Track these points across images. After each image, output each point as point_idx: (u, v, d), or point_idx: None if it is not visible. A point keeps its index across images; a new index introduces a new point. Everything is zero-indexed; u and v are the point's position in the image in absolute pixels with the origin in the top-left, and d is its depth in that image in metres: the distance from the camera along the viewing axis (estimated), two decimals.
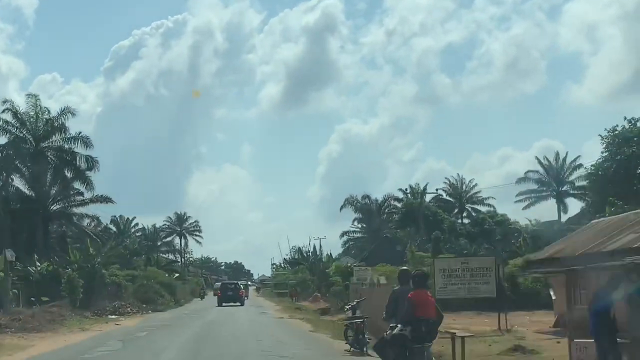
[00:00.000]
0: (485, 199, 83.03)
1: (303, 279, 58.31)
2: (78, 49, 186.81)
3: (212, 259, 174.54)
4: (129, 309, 39.69)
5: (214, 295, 71.87)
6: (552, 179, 69.31)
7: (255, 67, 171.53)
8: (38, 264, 39.76)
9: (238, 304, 52.83)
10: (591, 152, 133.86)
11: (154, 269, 57.80)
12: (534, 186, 70.00)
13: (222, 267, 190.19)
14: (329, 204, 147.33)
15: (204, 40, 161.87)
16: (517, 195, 69.88)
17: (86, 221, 52.56)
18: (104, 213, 74.71)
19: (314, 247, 79.84)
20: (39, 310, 30.13)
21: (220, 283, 78.67)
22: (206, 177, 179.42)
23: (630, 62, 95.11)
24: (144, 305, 43.77)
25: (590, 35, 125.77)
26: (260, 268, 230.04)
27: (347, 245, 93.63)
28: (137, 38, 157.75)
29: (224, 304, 52.07)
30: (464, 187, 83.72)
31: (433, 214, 71.30)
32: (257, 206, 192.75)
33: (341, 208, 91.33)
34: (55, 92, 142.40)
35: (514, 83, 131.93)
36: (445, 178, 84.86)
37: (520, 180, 69.79)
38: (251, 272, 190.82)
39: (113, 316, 36.74)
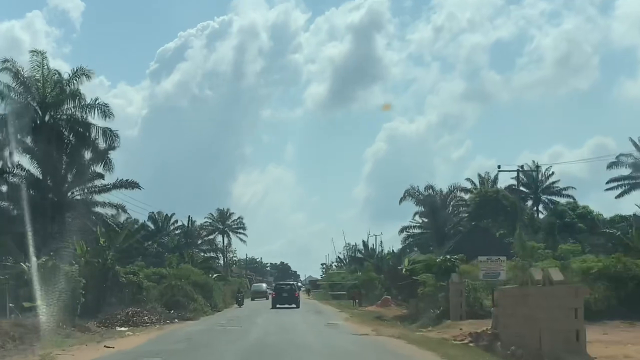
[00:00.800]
0: (564, 189, 72.64)
1: (369, 278, 47.70)
2: (124, 52, 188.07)
3: (257, 260, 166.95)
4: (146, 317, 30.17)
5: (252, 299, 62.73)
6: None
7: (301, 67, 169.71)
8: (35, 259, 30.58)
9: (294, 305, 49.69)
10: None
11: (187, 266, 48.25)
12: (627, 171, 58.99)
13: (268, 268, 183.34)
14: (375, 203, 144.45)
15: (249, 41, 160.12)
16: (607, 183, 58.92)
17: (110, 212, 43.64)
18: (142, 210, 67.08)
19: (374, 244, 70.15)
20: (7, 323, 20.88)
21: (256, 285, 70.74)
22: (250, 178, 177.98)
23: None
24: (170, 312, 34.29)
25: None
26: (308, 269, 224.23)
27: (407, 242, 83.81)
28: (183, 40, 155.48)
29: (278, 306, 49.21)
30: (539, 175, 73.43)
31: (511, 204, 60.94)
32: (302, 206, 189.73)
33: (401, 200, 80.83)
34: (102, 95, 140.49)
35: (566, 79, 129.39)
36: (518, 166, 74.58)
37: (612, 165, 58.71)
38: (298, 273, 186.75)
39: (123, 328, 27.41)
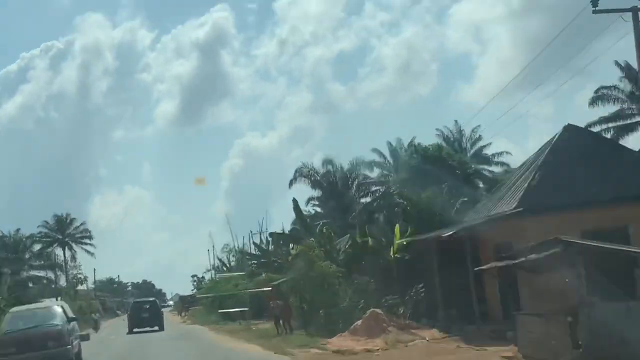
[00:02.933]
0: (498, 154, 57.82)
1: (317, 272, 25.70)
2: None
3: (115, 279, 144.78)
4: None
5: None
6: None
7: (149, 86, 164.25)
8: None
9: (156, 328, 41.86)
10: None
11: None
12: (613, 109, 44.07)
13: (129, 288, 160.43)
14: (236, 218, 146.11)
15: (94, 61, 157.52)
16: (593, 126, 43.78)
17: None
18: None
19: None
20: None
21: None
22: (108, 200, 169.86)
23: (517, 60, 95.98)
24: None
25: (478, 36, 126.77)
26: (175, 288, 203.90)
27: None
28: (26, 61, 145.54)
29: (135, 331, 41.63)
30: (463, 140, 58.49)
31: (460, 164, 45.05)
32: (163, 226, 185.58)
33: (291, 183, 63.42)
34: None
35: (407, 86, 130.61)
36: (437, 129, 59.65)
37: (596, 101, 43.72)
38: (163, 291, 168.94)
39: None
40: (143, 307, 43.51)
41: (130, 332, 40.88)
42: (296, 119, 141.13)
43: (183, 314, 65.51)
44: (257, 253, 51.32)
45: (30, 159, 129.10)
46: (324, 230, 36.25)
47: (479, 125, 56.55)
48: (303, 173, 63.67)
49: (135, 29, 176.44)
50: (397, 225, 29.17)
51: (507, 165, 51.27)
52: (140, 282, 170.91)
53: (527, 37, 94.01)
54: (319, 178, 63.94)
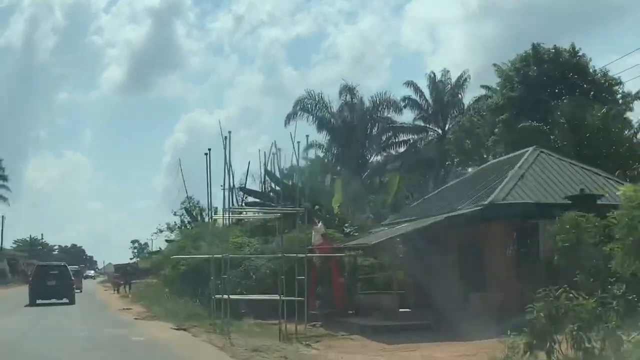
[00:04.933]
0: None
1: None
2: None
3: (40, 240, 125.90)
4: None
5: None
6: None
7: (99, 49, 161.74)
8: None
9: (65, 300, 34.36)
10: None
11: None
12: None
13: (56, 252, 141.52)
14: (174, 194, 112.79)
15: (44, 18, 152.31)
16: None
17: None
18: None
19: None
20: None
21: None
22: (45, 163, 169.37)
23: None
24: None
25: (432, 34, 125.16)
26: (108, 258, 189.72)
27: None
28: None
29: (40, 302, 33.38)
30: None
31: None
32: (99, 195, 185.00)
33: (288, 119, 45.45)
34: None
35: (359, 77, 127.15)
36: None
37: None
38: (94, 259, 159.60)
39: None
40: (49, 274, 35.81)
41: (32, 303, 33.18)
42: (245, 99, 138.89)
43: (122, 289, 46.77)
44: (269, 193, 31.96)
45: None
46: None
47: None
48: (306, 106, 45.80)
49: None
50: None
51: None
52: (69, 246, 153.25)
53: None
54: (328, 115, 46.17)
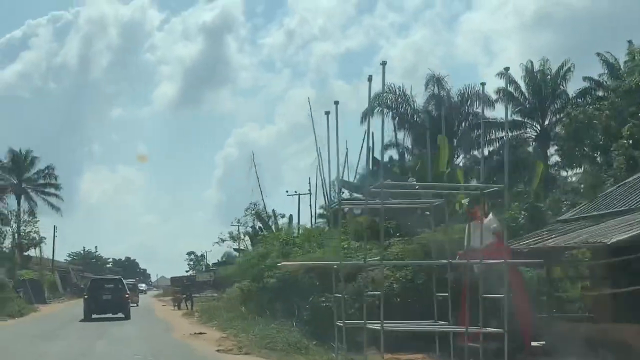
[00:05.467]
0: None
1: None
2: None
3: (93, 252, 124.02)
4: None
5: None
6: None
7: (152, 66, 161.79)
8: None
9: (121, 314, 32.83)
10: None
11: None
12: None
13: (110, 265, 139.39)
14: (227, 208, 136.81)
15: (99, 36, 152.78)
16: None
17: None
18: None
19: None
20: None
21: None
22: (99, 177, 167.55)
23: None
24: None
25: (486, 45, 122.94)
26: (160, 270, 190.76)
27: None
28: (32, 28, 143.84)
29: (95, 316, 32.11)
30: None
31: None
32: (152, 208, 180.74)
33: (364, 118, 40.50)
34: None
35: (413, 89, 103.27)
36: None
37: None
38: (148, 272, 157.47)
39: None
40: (104, 287, 34.99)
41: (87, 318, 32.02)
42: (296, 114, 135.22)
43: (183, 305, 40.80)
44: None
45: (23, 129, 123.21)
46: None
47: None
48: (386, 102, 40.94)
49: (146, 8, 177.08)
50: None
51: None
52: (123, 259, 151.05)
53: None
54: (411, 110, 41.31)
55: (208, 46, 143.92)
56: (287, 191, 48.04)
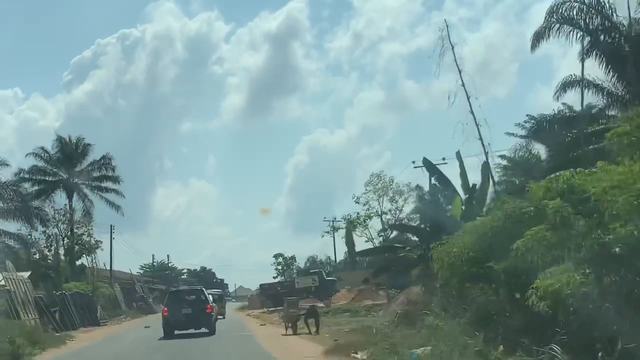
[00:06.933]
0: None
1: None
2: (39, 63, 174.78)
3: (168, 263, 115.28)
4: None
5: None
6: None
7: (219, 78, 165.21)
8: None
9: (204, 329, 30.17)
10: None
11: None
12: None
13: (184, 276, 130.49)
14: (297, 216, 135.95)
15: (166, 51, 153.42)
16: None
17: None
18: None
19: None
20: None
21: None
22: (171, 191, 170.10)
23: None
24: None
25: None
26: (235, 281, 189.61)
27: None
28: (101, 47, 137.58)
29: (177, 332, 29.74)
30: None
31: None
32: (224, 219, 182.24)
33: (540, 37, 27.02)
34: (16, 108, 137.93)
35: (485, 86, 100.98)
36: None
37: None
38: (225, 282, 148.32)
39: None
40: (185, 299, 31.18)
41: (168, 335, 28.71)
42: (366, 117, 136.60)
43: (291, 325, 26.68)
44: None
45: (96, 148, 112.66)
46: None
47: None
48: (569, 16, 27.45)
49: (212, 21, 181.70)
50: None
51: None
52: (199, 269, 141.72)
53: None
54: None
55: (274, 54, 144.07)
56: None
